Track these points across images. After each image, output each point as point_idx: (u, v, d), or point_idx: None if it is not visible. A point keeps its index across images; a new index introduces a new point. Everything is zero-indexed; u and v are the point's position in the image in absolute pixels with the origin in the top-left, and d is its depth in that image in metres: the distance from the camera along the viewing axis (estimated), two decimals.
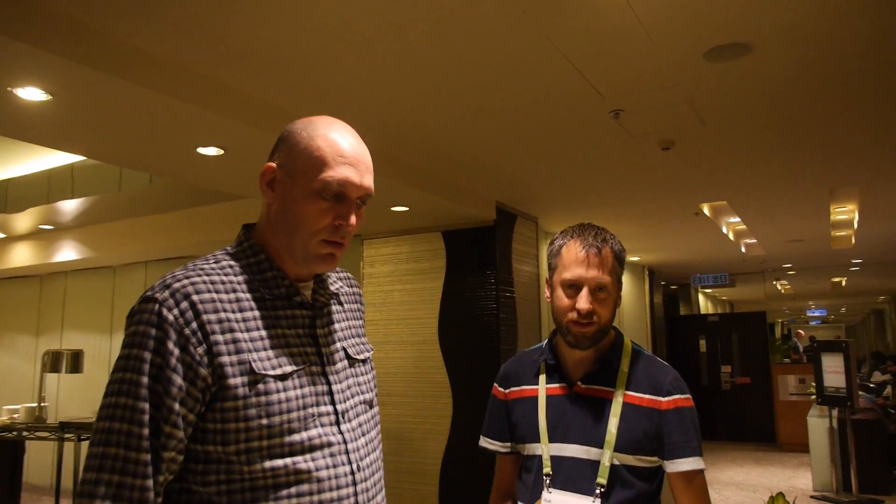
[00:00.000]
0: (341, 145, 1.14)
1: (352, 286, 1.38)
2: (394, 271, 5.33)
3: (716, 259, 9.30)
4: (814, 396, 6.85)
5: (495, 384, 1.69)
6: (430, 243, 5.20)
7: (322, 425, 1.11)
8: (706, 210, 5.87)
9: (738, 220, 6.44)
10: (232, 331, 1.07)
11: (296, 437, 1.07)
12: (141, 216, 6.15)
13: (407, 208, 4.58)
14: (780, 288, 13.71)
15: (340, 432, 1.14)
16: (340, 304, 1.29)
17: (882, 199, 5.50)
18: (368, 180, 1.17)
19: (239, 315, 1.09)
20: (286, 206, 1.14)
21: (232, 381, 1.04)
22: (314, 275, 1.23)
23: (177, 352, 1.02)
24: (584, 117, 3.36)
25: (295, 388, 1.09)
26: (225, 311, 1.07)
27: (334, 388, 1.16)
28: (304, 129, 1.16)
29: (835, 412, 6.43)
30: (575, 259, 1.47)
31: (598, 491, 1.42)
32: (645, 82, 2.92)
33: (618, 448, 1.44)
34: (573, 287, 1.47)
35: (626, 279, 8.78)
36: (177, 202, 5.81)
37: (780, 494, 2.10)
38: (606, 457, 1.43)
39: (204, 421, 1.05)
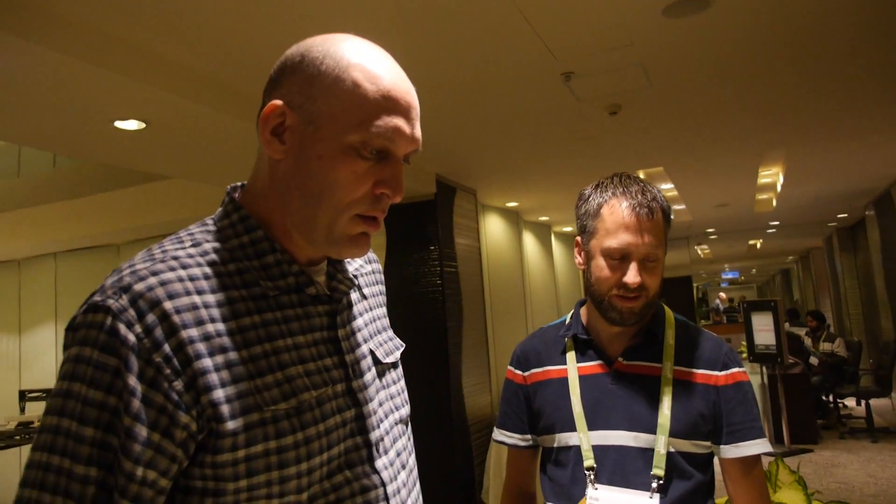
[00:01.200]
0: (386, 80, 0.79)
1: (370, 261, 1.04)
2: None
3: None
4: (745, 355, 7.10)
5: (510, 368, 1.45)
6: None
7: (351, 465, 0.82)
8: (641, 176, 5.89)
9: (670, 186, 6.52)
10: (224, 350, 0.73)
11: (317, 490, 0.78)
12: (45, 203, 5.63)
13: None
14: (700, 253, 14.22)
15: (376, 471, 0.84)
16: (360, 288, 0.96)
17: (806, 161, 5.67)
18: (419, 130, 0.84)
19: (234, 324, 0.75)
20: (305, 167, 0.78)
21: (229, 425, 0.71)
22: (328, 257, 0.89)
23: (141, 389, 0.68)
24: (532, 82, 3.23)
25: (316, 421, 0.78)
26: (213, 320, 0.74)
27: (365, 409, 0.85)
28: (326, 52, 0.79)
29: (765, 369, 6.69)
30: (622, 223, 1.23)
31: (654, 484, 1.20)
32: (600, 42, 2.81)
33: (673, 433, 1.22)
34: (619, 257, 1.24)
35: (556, 250, 8.77)
36: (87, 186, 5.34)
37: (780, 458, 2.05)
38: (661, 443, 1.22)
39: (187, 478, 0.73)
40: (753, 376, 6.86)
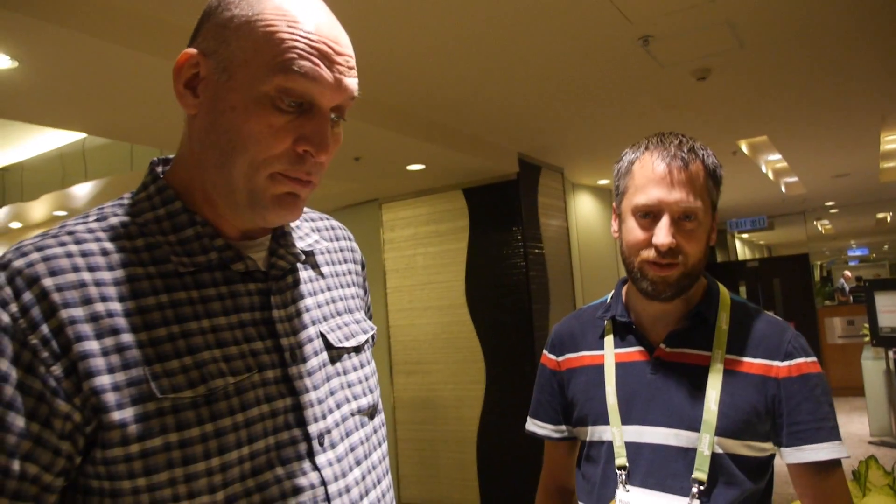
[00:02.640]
0: (306, 22, 0.70)
1: (338, 238, 0.96)
2: (415, 234, 5.08)
3: (753, 201, 8.87)
4: (867, 338, 6.50)
5: (545, 351, 1.32)
6: (451, 202, 4.93)
7: (285, 462, 0.72)
8: (744, 148, 5.48)
9: (778, 157, 6.04)
10: (116, 331, 0.66)
11: (237, 490, 0.69)
12: None
13: (423, 166, 4.31)
14: (820, 228, 13.19)
15: (316, 468, 0.74)
16: (316, 266, 0.87)
17: None
18: (351, 79, 0.73)
19: (131, 304, 0.68)
20: (218, 121, 0.71)
21: (117, 415, 0.64)
22: (273, 229, 0.82)
23: (16, 374, 0.62)
24: (610, 50, 3.03)
25: (232, 411, 0.69)
26: (105, 299, 0.67)
27: (304, 398, 0.76)
28: None
29: (891, 353, 6.09)
30: (652, 176, 1.08)
31: (694, 489, 1.04)
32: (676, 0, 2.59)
33: (720, 431, 1.06)
34: (650, 215, 1.08)
35: None
36: None
37: (872, 457, 1.82)
38: (705, 442, 1.05)
39: (84, 476, 0.66)
40: (877, 361, 6.27)
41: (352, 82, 0.74)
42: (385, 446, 0.90)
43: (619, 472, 1.11)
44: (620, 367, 1.17)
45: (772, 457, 1.11)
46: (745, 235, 13.46)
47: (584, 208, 6.18)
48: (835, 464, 1.06)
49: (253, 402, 0.72)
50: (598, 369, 1.20)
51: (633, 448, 1.11)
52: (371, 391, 0.88)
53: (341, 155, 3.88)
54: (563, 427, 1.28)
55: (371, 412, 0.87)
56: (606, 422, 1.15)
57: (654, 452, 1.09)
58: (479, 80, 3.28)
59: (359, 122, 3.25)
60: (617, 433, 1.13)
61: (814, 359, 1.10)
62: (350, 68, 0.74)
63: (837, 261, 25.01)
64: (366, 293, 0.99)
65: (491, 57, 3.00)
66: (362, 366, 0.88)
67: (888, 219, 12.41)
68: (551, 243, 5.02)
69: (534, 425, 1.32)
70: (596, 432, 1.18)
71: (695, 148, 1.10)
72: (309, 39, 0.70)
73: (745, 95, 3.99)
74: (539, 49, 2.97)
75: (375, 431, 0.87)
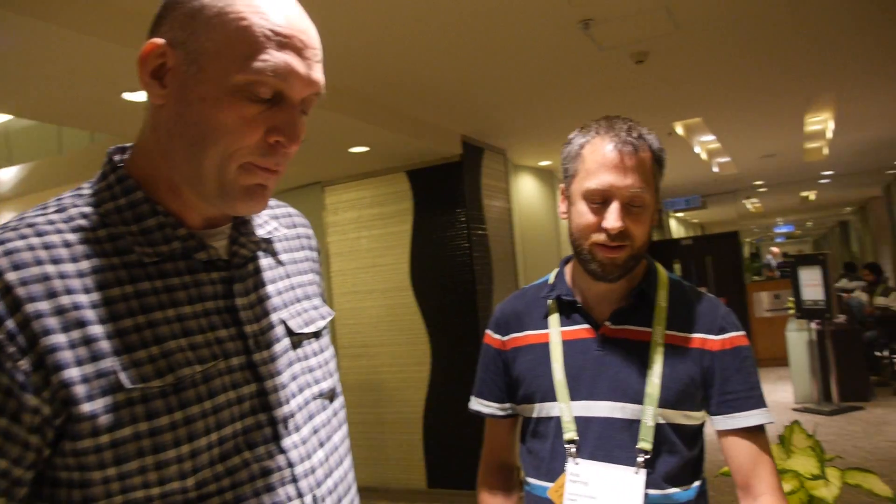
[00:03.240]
0: (277, 14, 0.71)
1: (295, 225, 0.97)
2: (358, 217, 5.05)
3: (687, 181, 9.16)
4: (792, 311, 6.84)
5: (488, 331, 1.34)
6: (394, 185, 4.91)
7: (252, 446, 0.74)
8: (679, 129, 5.64)
9: (711, 138, 6.24)
10: (82, 324, 0.66)
11: (207, 475, 0.70)
12: (84, 179, 5.72)
13: (367, 149, 4.27)
14: (750, 207, 13.71)
15: (282, 451, 0.76)
16: (275, 253, 0.89)
17: (859, 105, 5.32)
18: (319, 72, 0.75)
19: (97, 296, 0.68)
20: (188, 111, 0.70)
21: (86, 406, 0.64)
22: (233, 217, 0.82)
23: None
24: (551, 32, 3.06)
25: (200, 399, 0.71)
26: (70, 291, 0.66)
27: (269, 384, 0.77)
28: None
29: (813, 325, 6.43)
30: (603, 161, 1.11)
31: (640, 459, 1.10)
32: None
33: (662, 403, 1.12)
34: (600, 199, 1.12)
35: None
36: None
37: (796, 422, 1.93)
38: (649, 414, 1.11)
39: (52, 469, 0.67)
40: (801, 332, 6.61)
41: (320, 76, 0.75)
42: (346, 427, 0.92)
43: (568, 445, 1.15)
44: (567, 344, 1.20)
45: (703, 424, 1.18)
46: (679, 214, 13.88)
47: (526, 189, 6.26)
48: (761, 429, 1.14)
49: (220, 389, 0.73)
50: (544, 347, 1.22)
51: (581, 422, 1.15)
52: (331, 374, 0.90)
53: None
54: (508, 405, 1.30)
55: (331, 395, 0.89)
56: (554, 398, 1.18)
57: (602, 426, 1.14)
58: (420, 61, 3.26)
59: None
60: (566, 408, 1.16)
61: (743, 332, 1.17)
62: (318, 62, 0.75)
63: (765, 238, 26.14)
64: (321, 279, 1.01)
65: (432, 38, 2.98)
66: (322, 350, 0.89)
67: (811, 197, 13.00)
68: (494, 224, 5.07)
69: (478, 404, 1.34)
70: (544, 409, 1.20)
71: (643, 134, 1.14)
72: (281, 32, 0.70)
73: (680, 78, 4.10)
74: (480, 31, 2.97)
75: (336, 414, 0.89)
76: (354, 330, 5.05)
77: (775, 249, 16.27)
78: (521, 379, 1.25)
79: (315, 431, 0.82)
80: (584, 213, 1.13)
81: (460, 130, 4.69)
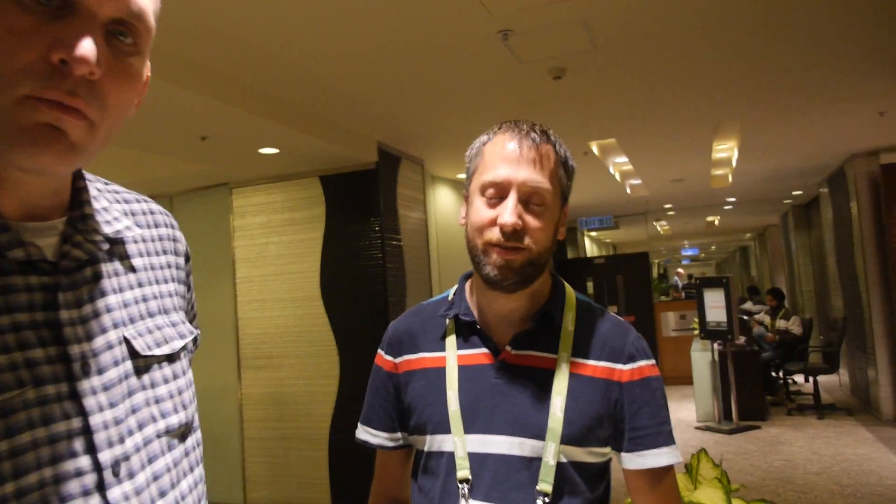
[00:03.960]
0: None
1: (157, 224, 0.80)
2: (268, 222, 4.83)
3: (602, 201, 9.37)
4: (696, 331, 7.07)
5: (380, 351, 1.19)
6: (306, 190, 4.73)
7: (64, 499, 0.57)
8: (595, 149, 5.73)
9: (625, 159, 6.38)
10: None
11: None
12: None
13: (277, 150, 4.09)
14: (659, 229, 14.23)
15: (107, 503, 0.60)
16: (126, 257, 0.72)
17: (761, 135, 5.57)
18: None
19: None
20: None
21: None
22: (69, 207, 0.67)
23: None
24: (470, 42, 3.01)
25: None
26: None
27: (97, 418, 0.61)
28: None
29: (716, 345, 6.66)
30: (502, 154, 1.01)
31: (539, 502, 0.98)
32: None
33: (565, 439, 0.99)
34: (496, 193, 1.00)
35: None
36: None
37: (703, 451, 1.91)
38: (550, 452, 0.98)
39: None
40: (704, 353, 6.83)
41: None
42: (200, 470, 0.76)
43: (461, 485, 1.01)
44: (463, 370, 1.07)
45: (609, 461, 1.08)
46: (593, 233, 14.24)
47: (444, 202, 6.20)
48: (669, 470, 1.05)
49: (24, 425, 0.56)
50: (440, 372, 1.08)
51: (476, 459, 1.02)
52: (185, 407, 0.73)
53: (187, 132, 3.58)
54: (399, 434, 1.16)
55: (183, 432, 0.73)
56: (447, 430, 1.04)
57: (499, 463, 1.00)
58: (337, 63, 3.13)
59: (206, 97, 3.00)
60: (459, 443, 1.03)
61: (654, 361, 1.07)
62: None
63: (672, 259, 27.27)
64: (189, 290, 0.84)
65: (349, 40, 2.87)
66: (175, 377, 0.73)
67: (716, 222, 13.63)
68: (410, 235, 4.97)
69: (366, 433, 1.19)
70: (435, 442, 1.06)
71: (548, 133, 1.05)
72: None
73: (596, 97, 4.14)
74: (400, 36, 2.88)
75: (187, 455, 0.73)
76: (260, 340, 4.81)
77: (681, 271, 16.93)
78: (413, 407, 1.11)
79: (155, 478, 0.67)
80: (479, 210, 1.02)
81: (377, 137, 4.58)
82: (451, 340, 1.10)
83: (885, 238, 6.37)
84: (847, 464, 5.09)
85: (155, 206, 0.83)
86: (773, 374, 7.90)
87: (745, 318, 7.91)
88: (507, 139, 1.03)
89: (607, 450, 1.05)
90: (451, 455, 1.03)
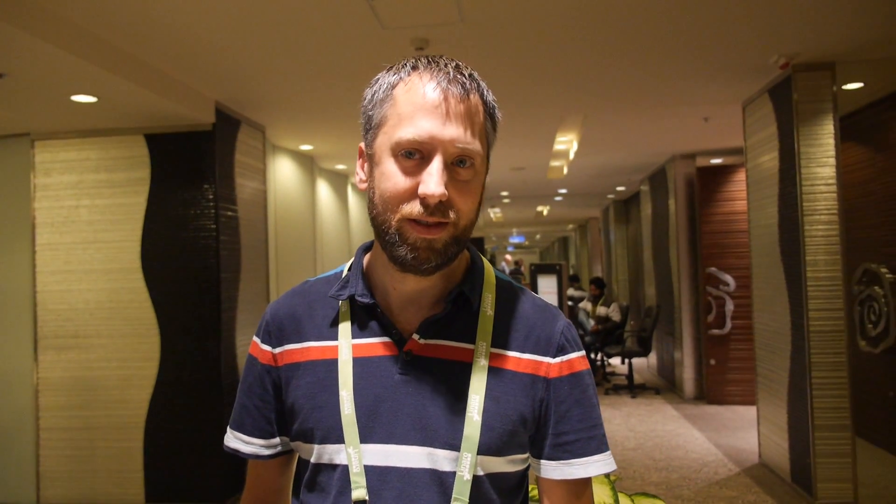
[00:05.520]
0: None
1: None
2: (79, 182, 4.20)
3: None
4: None
5: (256, 339, 0.96)
6: (128, 148, 4.17)
7: None
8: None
9: None
10: None
11: None
12: None
13: (95, 99, 3.53)
14: (493, 215, 14.69)
15: None
16: None
17: (599, 131, 5.82)
18: None
19: None
20: None
21: None
22: None
23: None
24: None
25: None
26: None
27: None
28: None
29: None
30: (423, 104, 0.79)
31: None
32: None
33: (483, 448, 0.83)
34: (416, 155, 0.79)
35: (353, 202, 8.27)
36: None
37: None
38: (466, 464, 0.82)
39: None
40: None
41: None
42: None
43: None
44: (360, 363, 0.87)
45: (528, 467, 0.92)
46: None
47: (285, 173, 5.82)
48: (588, 482, 0.91)
49: None
50: (330, 366, 0.88)
51: (375, 474, 0.83)
52: None
53: None
54: (277, 440, 0.95)
55: None
56: (340, 439, 0.85)
57: (404, 479, 0.83)
58: (173, 4, 2.72)
59: (5, 23, 2.47)
60: (354, 455, 0.84)
61: (583, 353, 0.92)
62: None
63: (499, 246, 28.50)
64: None
65: None
66: None
67: (545, 212, 14.33)
68: (247, 206, 4.57)
69: (237, 441, 0.96)
70: (325, 453, 0.86)
71: (475, 76, 0.84)
72: None
73: None
74: None
75: None
76: (64, 317, 4.19)
77: (508, 257, 17.73)
78: (297, 409, 0.89)
79: None
80: (392, 175, 0.80)
81: (215, 96, 4.14)
82: (345, 327, 0.90)
83: (696, 234, 6.99)
84: (658, 439, 5.53)
85: None
86: (592, 356, 8.45)
87: (571, 304, 8.35)
88: (427, 83, 0.80)
89: (527, 455, 0.89)
90: (345, 469, 0.84)
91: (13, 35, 2.59)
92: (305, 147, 5.96)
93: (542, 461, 0.88)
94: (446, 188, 0.78)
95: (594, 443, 0.88)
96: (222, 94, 4.13)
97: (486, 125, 0.85)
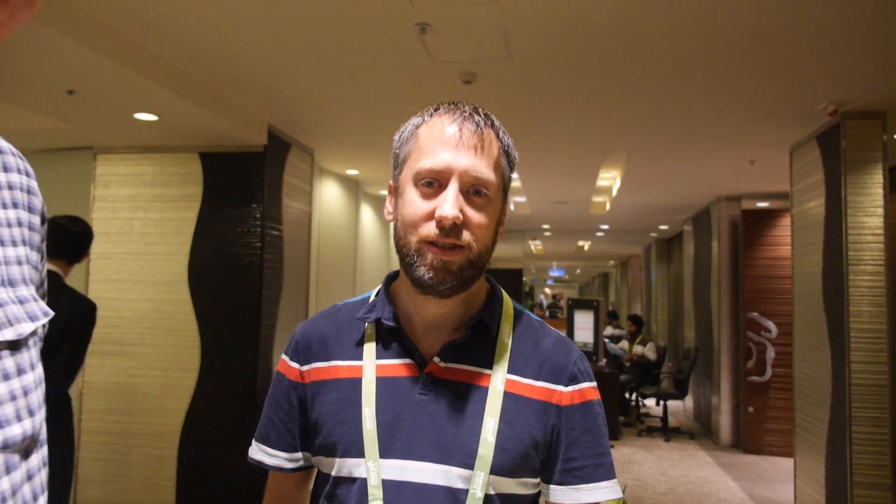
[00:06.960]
0: None
1: (7, 168, 0.61)
2: (135, 195, 4.39)
3: None
4: None
5: (285, 357, 1.02)
6: (184, 165, 4.35)
7: None
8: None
9: (514, 175, 6.45)
10: None
11: None
12: None
13: (156, 117, 3.71)
14: (533, 248, 14.67)
15: None
16: None
17: (642, 169, 5.82)
18: None
19: None
20: None
21: None
22: None
23: None
24: (384, 28, 2.86)
25: None
26: None
27: None
28: None
29: None
30: (441, 138, 0.89)
31: None
32: None
33: (496, 469, 0.87)
34: (434, 183, 0.88)
35: (387, 235, 8.34)
36: None
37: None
38: (479, 482, 0.86)
39: None
40: None
41: None
42: (44, 499, 0.56)
43: None
44: (383, 383, 0.93)
45: (539, 493, 0.97)
46: None
47: (330, 196, 5.97)
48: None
49: None
50: (355, 384, 0.94)
51: (392, 488, 0.88)
52: (31, 413, 0.53)
53: (50, 84, 3.16)
54: (300, 455, 1.01)
55: (27, 447, 0.53)
56: (361, 453, 0.90)
57: (418, 494, 0.87)
58: (236, 29, 2.87)
59: (76, 44, 2.64)
60: (373, 469, 0.89)
61: (595, 384, 0.98)
62: None
63: (539, 279, 28.33)
64: (42, 259, 0.63)
65: (252, 5, 2.63)
66: (21, 372, 0.53)
67: (586, 247, 14.26)
68: (292, 227, 4.71)
69: (262, 453, 1.02)
70: (346, 466, 0.92)
71: (491, 117, 0.95)
72: None
73: (500, 109, 4.12)
74: (308, 12, 2.68)
75: (30, 478, 0.54)
76: (112, 324, 4.35)
77: (547, 291, 17.62)
78: (322, 424, 0.95)
79: None
80: (413, 202, 0.89)
81: (268, 119, 4.30)
82: (370, 348, 0.96)
83: (739, 277, 6.88)
84: (691, 485, 5.40)
85: (4, 144, 0.62)
86: (627, 396, 8.31)
87: (608, 341, 8.26)
88: (446, 121, 0.91)
89: (538, 479, 0.94)
90: (364, 482, 0.89)
91: (85, 55, 2.76)
92: (351, 171, 6.11)
93: (552, 486, 0.93)
94: (461, 212, 0.86)
95: (602, 470, 0.93)
96: (275, 118, 4.29)
97: (502, 160, 0.93)
